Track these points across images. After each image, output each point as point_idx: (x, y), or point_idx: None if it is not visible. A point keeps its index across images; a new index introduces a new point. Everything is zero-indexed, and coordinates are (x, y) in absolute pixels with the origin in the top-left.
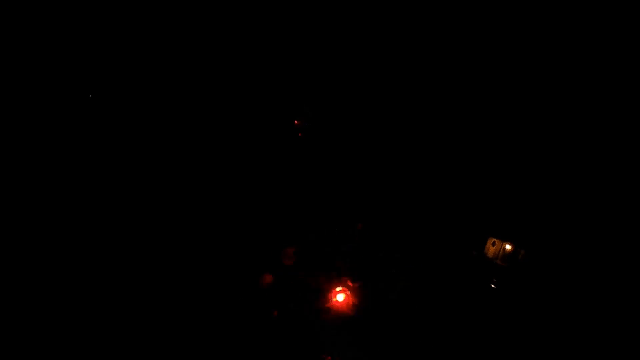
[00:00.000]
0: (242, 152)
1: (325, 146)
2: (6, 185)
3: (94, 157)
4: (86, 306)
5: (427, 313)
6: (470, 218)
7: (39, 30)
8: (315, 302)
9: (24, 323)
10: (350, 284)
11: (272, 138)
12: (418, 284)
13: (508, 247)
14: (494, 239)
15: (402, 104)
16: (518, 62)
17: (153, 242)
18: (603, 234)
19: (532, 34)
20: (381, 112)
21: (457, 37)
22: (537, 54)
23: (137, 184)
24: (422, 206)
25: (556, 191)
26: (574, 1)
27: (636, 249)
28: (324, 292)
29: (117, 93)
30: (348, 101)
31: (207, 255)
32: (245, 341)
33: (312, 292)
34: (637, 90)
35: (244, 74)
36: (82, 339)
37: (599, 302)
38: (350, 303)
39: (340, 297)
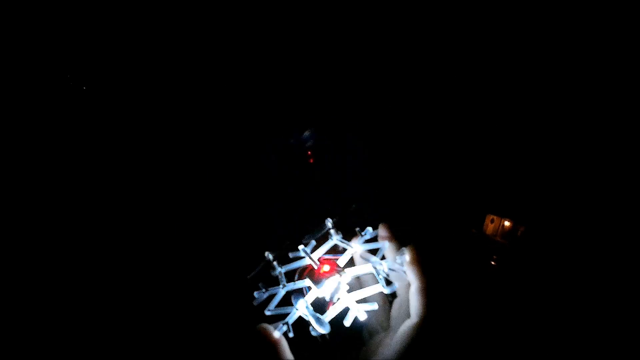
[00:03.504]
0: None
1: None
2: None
3: (93, 157)
4: (86, 306)
5: (427, 293)
6: (467, 195)
7: (39, 31)
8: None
9: (24, 323)
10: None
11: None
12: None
13: (507, 223)
14: (492, 216)
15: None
16: (511, 55)
17: (153, 242)
18: (603, 207)
19: (533, 34)
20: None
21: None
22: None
23: (137, 185)
24: (419, 186)
25: (554, 166)
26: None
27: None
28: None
29: (117, 93)
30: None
31: (206, 255)
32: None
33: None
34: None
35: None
36: (82, 339)
37: (601, 278)
38: (335, 270)
39: (325, 267)
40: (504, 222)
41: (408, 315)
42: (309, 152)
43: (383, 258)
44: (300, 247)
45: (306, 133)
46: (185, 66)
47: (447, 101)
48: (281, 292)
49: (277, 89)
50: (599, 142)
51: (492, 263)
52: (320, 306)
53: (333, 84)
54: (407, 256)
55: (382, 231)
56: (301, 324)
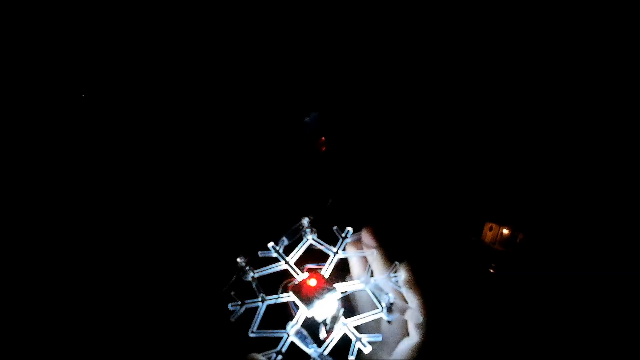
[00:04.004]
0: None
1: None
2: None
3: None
4: (86, 306)
5: (427, 301)
6: (466, 204)
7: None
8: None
9: (23, 323)
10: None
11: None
12: (416, 273)
13: (505, 231)
14: (491, 224)
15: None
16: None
17: (153, 243)
18: (602, 214)
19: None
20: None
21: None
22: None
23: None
24: (417, 194)
25: (552, 173)
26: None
27: (635, 231)
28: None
29: (117, 94)
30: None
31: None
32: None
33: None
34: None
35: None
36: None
37: (600, 285)
38: (324, 286)
39: (312, 282)
40: (502, 229)
41: (405, 331)
42: (322, 139)
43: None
44: (270, 244)
45: (307, 118)
46: (177, 64)
47: (448, 107)
48: (262, 306)
49: (271, 88)
50: (598, 149)
51: (491, 271)
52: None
53: (333, 86)
54: (402, 275)
55: (366, 238)
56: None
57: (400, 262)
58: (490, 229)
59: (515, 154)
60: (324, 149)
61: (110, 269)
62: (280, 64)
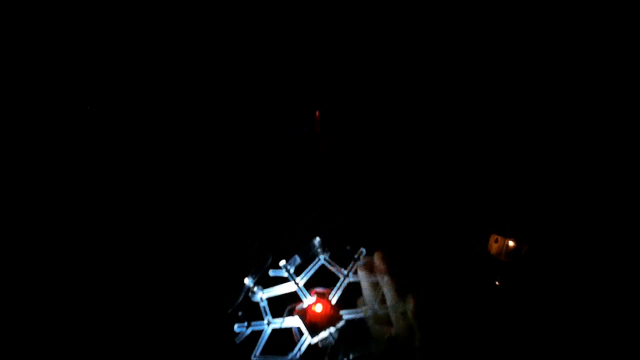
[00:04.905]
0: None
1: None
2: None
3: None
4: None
5: (432, 313)
6: (471, 215)
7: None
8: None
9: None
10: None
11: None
12: (421, 286)
13: (511, 243)
14: (496, 236)
15: (402, 100)
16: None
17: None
18: (608, 227)
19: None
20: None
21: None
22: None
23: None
24: (422, 207)
25: (557, 184)
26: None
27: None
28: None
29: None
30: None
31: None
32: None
33: None
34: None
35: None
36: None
37: (604, 296)
38: (329, 313)
39: (318, 308)
40: (508, 241)
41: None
42: (326, 139)
43: (383, 299)
44: (282, 262)
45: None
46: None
47: (454, 119)
48: (267, 330)
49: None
50: (604, 162)
51: (497, 283)
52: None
53: (335, 89)
54: (411, 305)
55: (378, 262)
56: None
57: (410, 290)
58: (496, 240)
59: (523, 166)
60: (326, 148)
61: (117, 286)
62: (281, 67)
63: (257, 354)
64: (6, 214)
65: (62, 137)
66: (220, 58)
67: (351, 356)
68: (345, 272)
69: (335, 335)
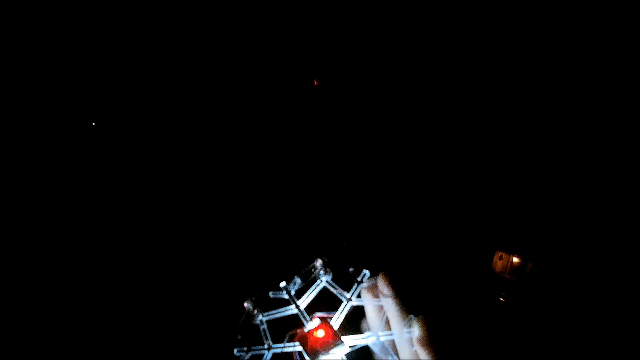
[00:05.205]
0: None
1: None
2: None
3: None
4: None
5: (437, 331)
6: (475, 233)
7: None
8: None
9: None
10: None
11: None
12: (426, 304)
13: (515, 260)
14: (501, 253)
15: (402, 107)
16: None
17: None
18: (610, 241)
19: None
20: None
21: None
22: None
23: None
24: (426, 224)
25: (561, 201)
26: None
27: None
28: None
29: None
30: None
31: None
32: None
33: None
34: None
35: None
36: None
37: (608, 311)
38: (331, 340)
39: (320, 333)
40: (512, 258)
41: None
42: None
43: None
44: (282, 284)
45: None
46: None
47: (458, 134)
48: (267, 355)
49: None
50: (607, 179)
51: (501, 299)
52: None
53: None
54: (417, 331)
55: (382, 286)
56: None
57: (415, 315)
58: (500, 257)
59: (527, 184)
60: (319, 110)
61: (121, 305)
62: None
63: None
64: (19, 215)
65: (72, 147)
66: (220, 58)
67: None
68: (348, 295)
69: None
